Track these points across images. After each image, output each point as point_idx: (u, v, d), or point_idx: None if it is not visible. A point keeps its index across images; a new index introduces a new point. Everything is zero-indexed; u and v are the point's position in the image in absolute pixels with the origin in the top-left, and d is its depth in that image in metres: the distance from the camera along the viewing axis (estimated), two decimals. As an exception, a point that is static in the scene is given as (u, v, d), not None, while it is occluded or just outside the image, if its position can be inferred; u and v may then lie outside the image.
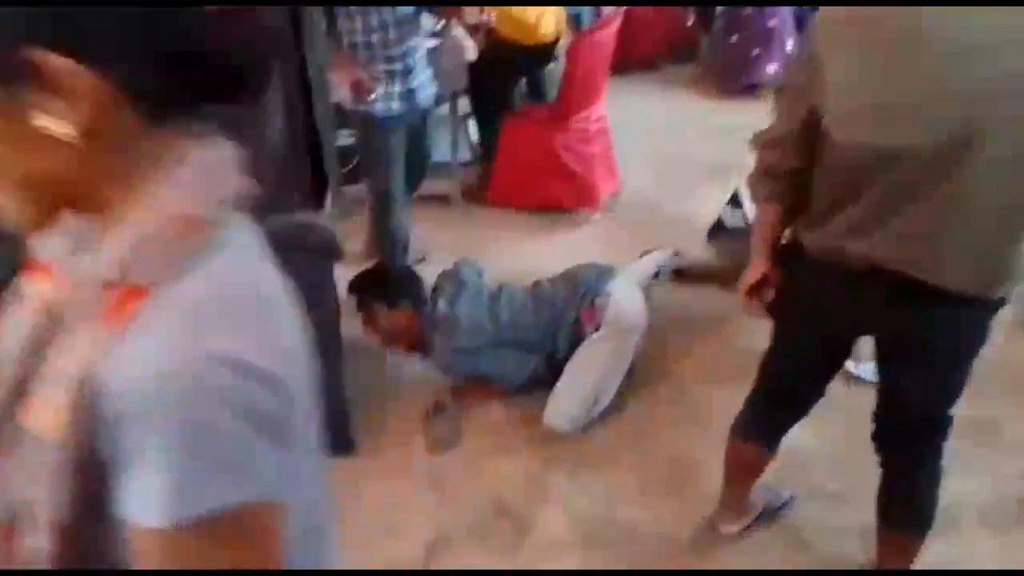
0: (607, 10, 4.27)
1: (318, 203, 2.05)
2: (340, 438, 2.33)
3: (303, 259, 1.98)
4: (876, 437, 1.77)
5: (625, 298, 2.54)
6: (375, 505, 2.20)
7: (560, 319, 2.50)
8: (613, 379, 2.50)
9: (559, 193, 3.76)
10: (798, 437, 2.42)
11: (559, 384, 2.46)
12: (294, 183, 1.99)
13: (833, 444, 2.41)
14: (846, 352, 1.76)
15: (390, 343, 2.57)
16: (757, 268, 1.68)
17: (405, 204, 3.04)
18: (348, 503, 2.20)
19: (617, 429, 2.49)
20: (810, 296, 1.62)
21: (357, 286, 2.51)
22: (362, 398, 2.48)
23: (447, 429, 2.45)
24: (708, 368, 2.76)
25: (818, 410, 2.56)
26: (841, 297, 1.55)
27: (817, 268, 1.55)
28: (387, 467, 2.34)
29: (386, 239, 2.97)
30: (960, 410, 1.75)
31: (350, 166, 3.64)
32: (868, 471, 2.28)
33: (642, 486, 2.27)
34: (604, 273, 2.60)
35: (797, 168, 1.50)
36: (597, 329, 2.48)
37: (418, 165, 3.03)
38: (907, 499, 1.76)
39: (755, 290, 1.69)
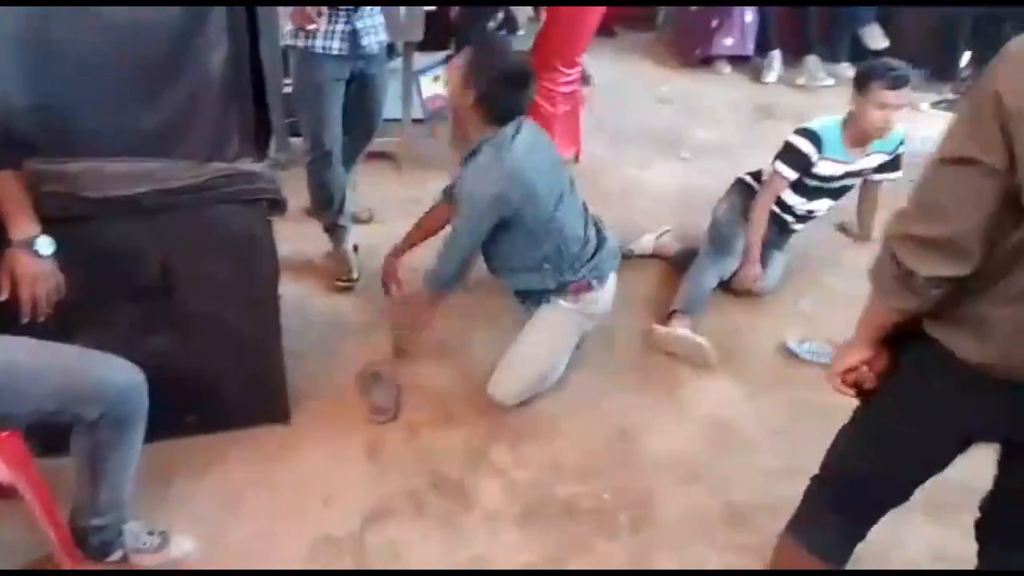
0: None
1: (260, 151, 1.90)
2: (274, 406, 2.23)
3: (241, 210, 1.87)
4: (983, 529, 1.52)
5: (611, 287, 2.48)
6: (310, 475, 2.12)
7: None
8: (564, 356, 2.45)
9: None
10: (739, 413, 2.45)
11: (509, 355, 2.39)
12: (236, 126, 1.84)
13: (772, 420, 2.43)
14: (959, 452, 1.41)
15: None
16: (856, 353, 1.37)
17: (348, 160, 2.91)
18: (281, 474, 2.12)
19: (560, 400, 2.46)
20: (935, 396, 1.30)
21: None
22: (297, 363, 2.37)
23: (387, 398, 2.37)
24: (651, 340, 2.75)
25: (758, 386, 2.59)
26: (982, 402, 1.25)
27: (955, 370, 1.22)
28: (323, 436, 2.24)
29: (319, 195, 2.84)
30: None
31: (296, 117, 3.49)
32: (808, 447, 2.31)
33: (582, 459, 2.25)
34: (614, 255, 2.49)
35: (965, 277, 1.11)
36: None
37: (365, 121, 2.86)
38: None
39: (850, 372, 1.40)
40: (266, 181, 1.85)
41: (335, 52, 2.54)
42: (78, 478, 1.67)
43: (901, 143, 2.93)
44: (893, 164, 2.97)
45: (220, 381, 2.10)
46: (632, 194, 3.67)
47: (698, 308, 2.79)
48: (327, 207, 2.86)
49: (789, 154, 2.83)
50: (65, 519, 1.69)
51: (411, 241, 2.59)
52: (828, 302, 3.02)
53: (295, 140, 3.46)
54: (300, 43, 2.52)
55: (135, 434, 1.66)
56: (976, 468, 2.32)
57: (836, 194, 2.95)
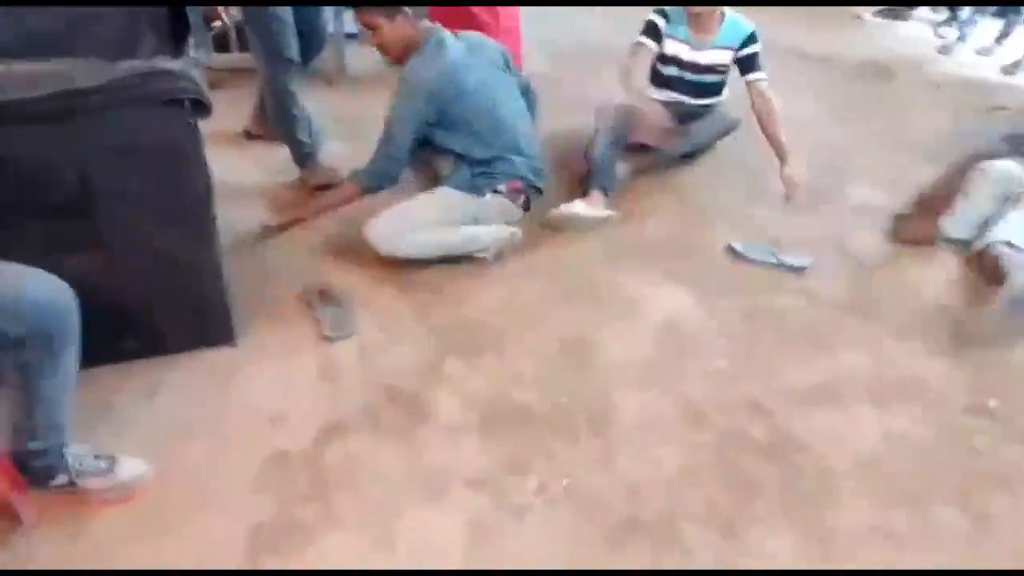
0: None
1: (178, 48, 1.75)
2: (219, 328, 2.13)
3: (161, 113, 1.71)
4: None
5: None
6: (260, 396, 2.05)
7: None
8: (446, 238, 2.55)
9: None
10: (691, 318, 2.45)
11: (397, 206, 2.53)
12: (148, 21, 1.67)
13: (724, 324, 2.44)
14: None
15: None
16: None
17: (301, 80, 2.81)
18: (230, 395, 2.04)
19: (510, 313, 2.42)
20: None
21: None
22: (240, 284, 2.27)
23: (341, 316, 2.30)
24: (605, 251, 2.73)
25: (709, 291, 2.59)
26: None
27: None
28: (272, 357, 2.17)
29: (293, 111, 2.75)
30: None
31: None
32: (753, 346, 2.34)
33: (537, 367, 2.22)
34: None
35: None
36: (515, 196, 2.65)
37: (312, 38, 2.83)
38: None
39: None
40: (187, 80, 1.68)
41: None
42: (13, 402, 1.58)
43: (749, 40, 3.00)
44: (749, 62, 3.03)
45: (156, 304, 2.00)
46: (578, 104, 3.59)
47: (607, 180, 2.93)
48: (301, 125, 2.80)
49: (647, 26, 3.08)
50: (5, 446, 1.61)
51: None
52: (775, 206, 3.04)
53: (220, 57, 3.29)
54: None
55: (67, 355, 1.57)
56: (918, 358, 2.37)
57: (697, 90, 3.12)
